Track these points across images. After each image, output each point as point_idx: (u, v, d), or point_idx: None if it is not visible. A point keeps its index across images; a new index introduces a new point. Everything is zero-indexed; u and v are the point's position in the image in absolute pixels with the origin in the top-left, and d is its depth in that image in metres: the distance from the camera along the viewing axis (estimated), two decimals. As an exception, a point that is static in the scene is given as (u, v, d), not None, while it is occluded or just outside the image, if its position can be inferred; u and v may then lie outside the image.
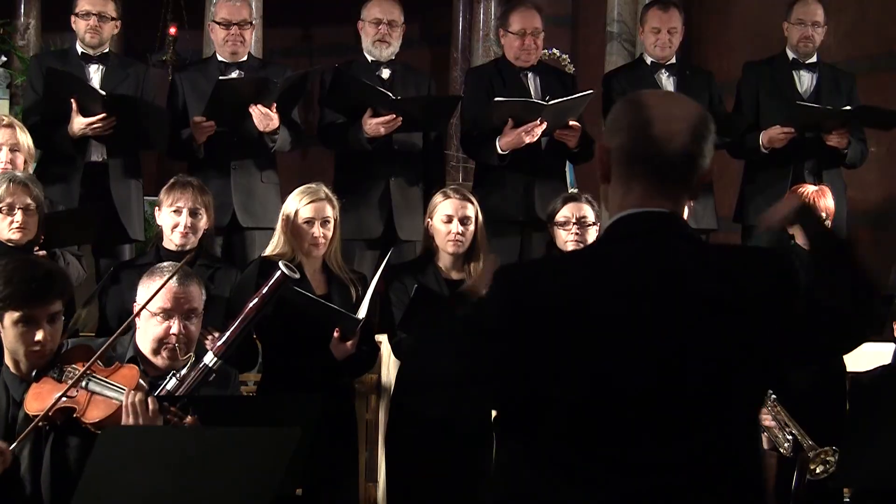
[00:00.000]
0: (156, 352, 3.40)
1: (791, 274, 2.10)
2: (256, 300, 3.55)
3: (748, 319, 2.04)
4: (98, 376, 3.20)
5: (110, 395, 3.15)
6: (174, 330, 3.39)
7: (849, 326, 2.21)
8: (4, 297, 3.16)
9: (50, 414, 3.08)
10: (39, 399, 3.13)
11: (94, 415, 3.11)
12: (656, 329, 1.99)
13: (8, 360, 3.26)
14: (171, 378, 3.33)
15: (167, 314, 3.39)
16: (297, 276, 3.72)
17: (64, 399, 3.11)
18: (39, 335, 3.17)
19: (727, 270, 2.07)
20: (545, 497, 1.99)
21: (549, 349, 1.97)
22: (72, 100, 5.14)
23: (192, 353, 3.44)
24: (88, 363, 3.16)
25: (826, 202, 4.91)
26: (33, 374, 3.20)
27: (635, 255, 2.04)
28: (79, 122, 5.15)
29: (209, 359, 3.38)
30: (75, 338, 3.58)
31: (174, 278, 3.42)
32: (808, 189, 4.97)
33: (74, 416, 3.13)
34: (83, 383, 3.16)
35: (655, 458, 1.98)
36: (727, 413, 2.03)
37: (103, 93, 5.17)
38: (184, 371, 3.34)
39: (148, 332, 3.41)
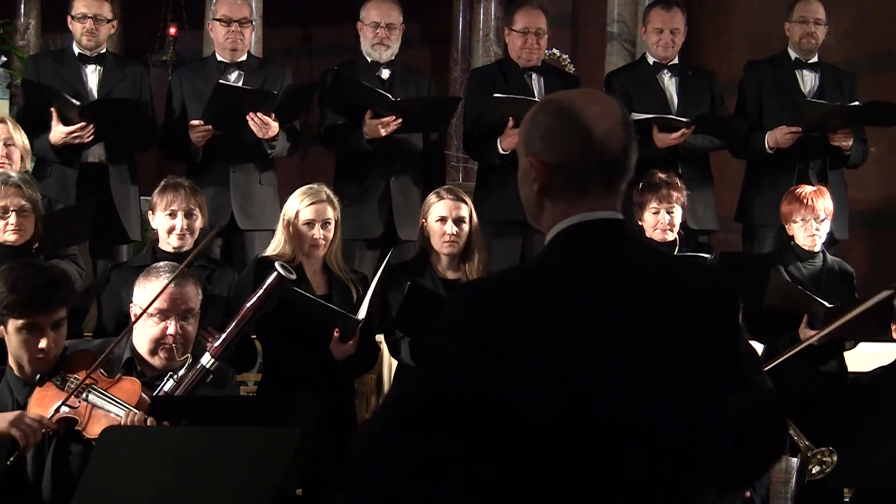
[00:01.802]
0: (153, 352, 3.40)
1: (736, 302, 2.08)
2: (253, 301, 3.55)
3: (705, 332, 2.02)
4: (100, 389, 3.18)
5: (111, 411, 3.14)
6: (171, 330, 3.39)
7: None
8: (8, 305, 3.15)
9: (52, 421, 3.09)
10: (42, 405, 3.13)
11: (95, 430, 3.08)
12: (632, 339, 1.95)
13: (12, 363, 3.25)
14: (168, 379, 3.33)
15: (163, 315, 3.39)
16: (294, 276, 3.72)
17: (66, 409, 3.11)
18: (43, 343, 3.16)
19: (685, 279, 2.05)
20: None
21: (523, 366, 1.89)
22: (52, 109, 5.14)
23: (189, 354, 3.43)
24: (88, 372, 3.15)
25: (824, 202, 4.91)
26: (37, 377, 3.19)
27: (598, 263, 2.00)
28: (58, 132, 5.15)
29: (206, 360, 3.38)
30: (78, 339, 3.58)
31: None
32: (806, 189, 4.97)
33: (76, 428, 3.13)
34: (84, 395, 3.15)
35: (632, 480, 1.93)
36: (692, 425, 1.99)
37: (77, 102, 5.15)
38: (181, 372, 3.34)
39: (145, 332, 3.40)
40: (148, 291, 3.43)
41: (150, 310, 3.36)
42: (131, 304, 3.52)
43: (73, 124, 5.12)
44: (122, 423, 3.07)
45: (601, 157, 2.02)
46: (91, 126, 5.14)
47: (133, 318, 3.44)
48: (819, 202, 4.89)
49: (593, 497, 1.92)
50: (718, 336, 2.04)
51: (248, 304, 3.55)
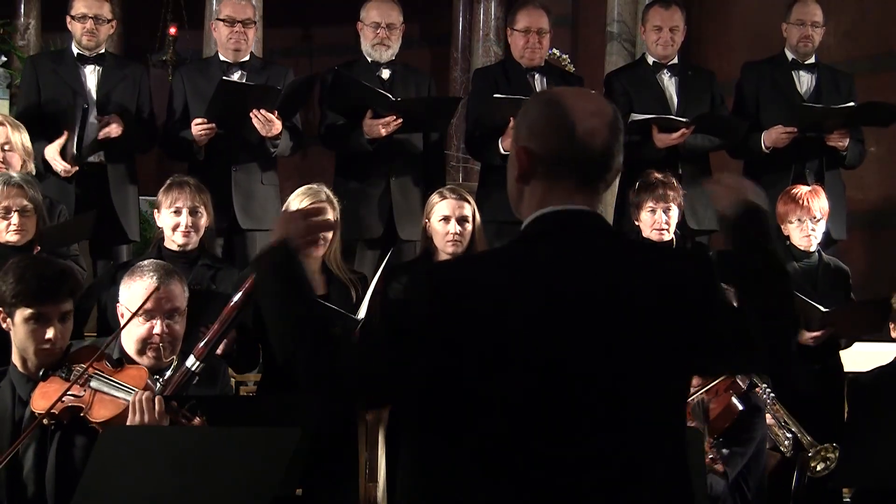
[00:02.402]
0: (140, 352, 3.40)
1: (711, 276, 2.12)
2: (234, 301, 3.53)
3: (669, 319, 2.05)
4: (105, 375, 3.20)
5: (117, 395, 3.15)
6: (157, 330, 3.38)
7: (755, 354, 2.21)
8: (17, 294, 3.18)
9: (56, 412, 3.08)
10: (46, 398, 3.13)
11: (100, 414, 3.11)
12: (582, 326, 1.99)
13: (16, 359, 3.26)
14: (155, 383, 3.32)
15: (149, 314, 3.38)
16: None
17: (70, 397, 3.11)
18: (50, 333, 3.18)
19: (650, 269, 2.08)
20: (470, 496, 1.98)
21: (473, 347, 1.97)
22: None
23: (174, 357, 3.42)
24: (92, 359, 3.16)
25: (820, 203, 4.92)
26: (41, 373, 3.20)
27: (559, 251, 2.05)
28: (49, 151, 5.23)
29: (190, 362, 3.36)
30: (78, 339, 3.58)
31: (155, 278, 3.41)
32: (802, 190, 4.98)
33: (81, 415, 3.13)
34: (90, 382, 3.16)
35: (580, 455, 1.98)
36: (649, 410, 2.03)
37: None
38: (167, 374, 3.33)
39: (132, 332, 3.39)
40: (133, 290, 3.42)
41: (135, 309, 3.36)
42: (118, 304, 3.51)
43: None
44: (131, 404, 3.07)
45: (581, 154, 2.08)
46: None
47: (120, 318, 3.43)
48: (815, 202, 4.90)
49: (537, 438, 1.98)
50: (684, 313, 2.06)
51: (230, 305, 3.53)
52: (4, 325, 3.26)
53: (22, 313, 3.18)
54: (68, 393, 3.10)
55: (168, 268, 3.51)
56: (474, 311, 1.98)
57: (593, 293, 2.01)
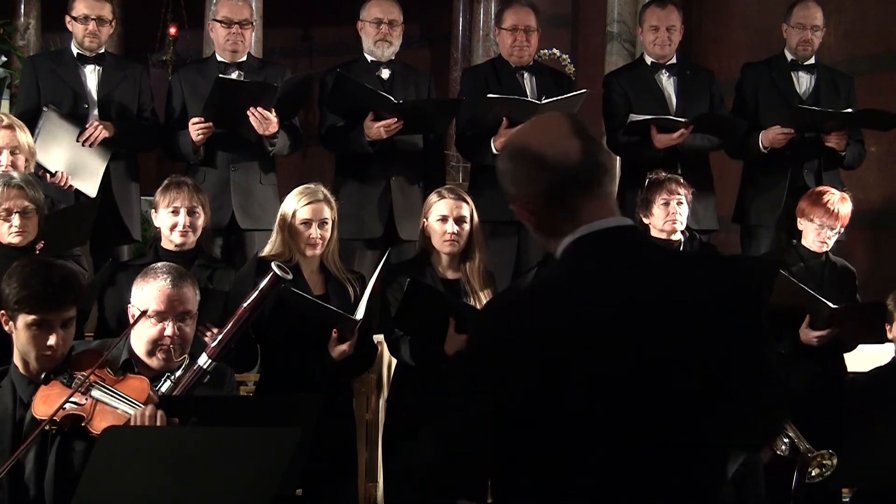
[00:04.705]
0: (150, 353, 3.40)
1: (750, 285, 2.17)
2: (249, 302, 3.55)
3: (721, 324, 2.09)
4: (107, 385, 3.19)
5: (118, 407, 3.15)
6: (168, 332, 3.38)
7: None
8: (20, 300, 3.15)
9: (57, 419, 3.08)
10: (47, 403, 3.12)
11: (101, 427, 3.07)
12: (649, 337, 2.03)
13: (17, 360, 3.25)
14: (165, 380, 3.32)
15: (161, 316, 3.38)
16: (290, 276, 3.71)
17: (72, 405, 3.10)
18: (52, 340, 3.17)
19: (698, 278, 2.14)
20: None
21: (551, 381, 1.99)
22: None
23: (186, 356, 3.43)
24: (93, 367, 3.16)
25: (845, 210, 4.89)
26: (42, 376, 3.19)
27: (607, 268, 2.09)
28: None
29: (203, 360, 3.38)
30: (78, 340, 3.57)
31: (168, 280, 3.41)
32: (833, 196, 4.90)
33: (82, 424, 3.12)
34: (92, 391, 3.16)
35: (657, 465, 2.03)
36: (709, 417, 2.08)
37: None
38: (178, 373, 3.34)
39: (142, 333, 3.40)
40: (145, 292, 3.43)
41: (148, 311, 3.36)
42: (129, 305, 3.52)
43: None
44: (132, 418, 3.06)
45: (563, 174, 2.12)
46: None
47: (132, 319, 3.44)
48: (843, 210, 4.86)
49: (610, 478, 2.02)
50: (733, 324, 2.11)
51: (245, 305, 3.55)
52: (7, 328, 3.25)
53: (24, 319, 3.16)
54: (70, 400, 3.10)
55: (181, 270, 3.51)
56: (543, 347, 1.99)
57: (653, 303, 2.06)
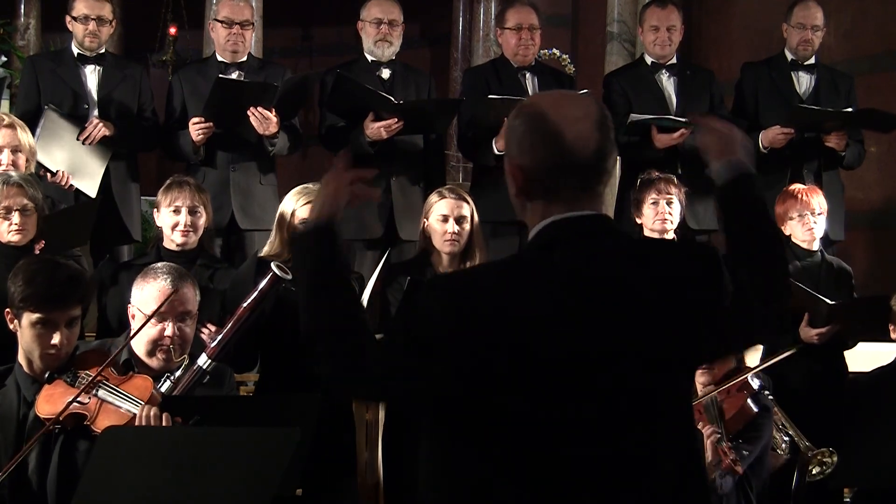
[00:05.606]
0: (150, 353, 3.40)
1: (718, 267, 2.12)
2: (248, 302, 3.55)
3: (680, 311, 2.06)
4: (111, 385, 3.19)
5: (122, 406, 3.15)
6: (168, 332, 3.39)
7: (756, 326, 2.22)
8: (25, 298, 3.16)
9: (61, 419, 3.08)
10: (51, 402, 3.13)
11: (105, 425, 3.08)
12: (598, 325, 2.00)
13: (21, 359, 3.26)
14: (165, 380, 3.33)
15: (161, 316, 3.39)
16: (290, 276, 3.71)
17: (76, 404, 3.10)
18: (56, 339, 3.17)
19: (659, 265, 2.09)
20: (491, 496, 1.99)
21: (490, 354, 1.97)
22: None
23: (185, 356, 3.43)
24: (100, 369, 3.16)
25: (818, 199, 4.93)
26: (46, 375, 3.19)
27: (570, 255, 2.05)
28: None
29: (203, 361, 3.38)
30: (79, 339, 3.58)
31: (168, 280, 3.41)
32: (799, 186, 5.02)
33: (85, 423, 3.13)
34: (96, 391, 3.16)
35: (604, 452, 1.99)
36: (665, 404, 2.05)
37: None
38: (178, 373, 3.34)
39: (142, 333, 3.40)
40: (145, 293, 3.43)
41: (148, 311, 3.37)
42: (129, 305, 3.52)
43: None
44: (137, 417, 3.07)
45: (572, 161, 2.06)
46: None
47: (132, 319, 3.44)
48: (813, 198, 4.91)
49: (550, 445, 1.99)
50: (694, 306, 2.07)
51: (244, 305, 3.55)
52: (11, 326, 3.25)
53: (29, 317, 3.17)
54: (75, 400, 3.10)
55: (181, 271, 3.52)
56: (490, 318, 1.98)
57: (606, 292, 2.02)
